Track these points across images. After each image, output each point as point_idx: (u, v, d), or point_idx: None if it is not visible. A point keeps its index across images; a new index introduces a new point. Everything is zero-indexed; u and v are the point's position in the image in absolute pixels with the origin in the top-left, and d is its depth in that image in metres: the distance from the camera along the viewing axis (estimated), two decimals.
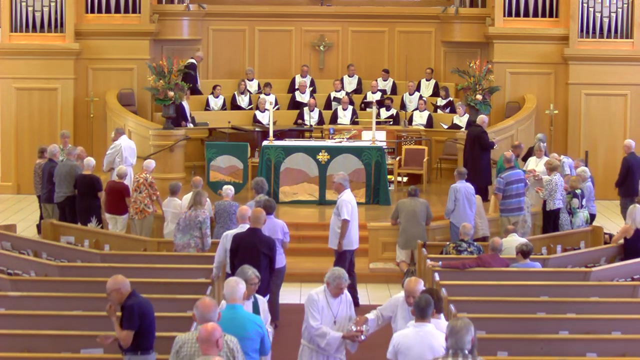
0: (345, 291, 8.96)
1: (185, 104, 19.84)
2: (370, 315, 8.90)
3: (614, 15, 20.07)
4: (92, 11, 20.34)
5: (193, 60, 20.80)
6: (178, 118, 19.54)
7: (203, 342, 6.83)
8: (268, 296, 10.63)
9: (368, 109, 19.83)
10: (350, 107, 20.35)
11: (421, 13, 21.61)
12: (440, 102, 20.80)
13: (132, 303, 8.12)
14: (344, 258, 12.73)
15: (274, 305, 11.72)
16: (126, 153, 16.55)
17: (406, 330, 7.74)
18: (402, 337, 7.65)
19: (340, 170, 16.89)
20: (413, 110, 20.37)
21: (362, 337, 8.74)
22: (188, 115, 19.90)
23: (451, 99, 20.78)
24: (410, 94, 20.75)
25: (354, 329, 8.72)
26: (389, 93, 21.16)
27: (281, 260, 11.72)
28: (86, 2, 20.29)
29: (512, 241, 12.71)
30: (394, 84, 21.41)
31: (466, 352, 6.67)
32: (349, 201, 12.70)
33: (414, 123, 20.12)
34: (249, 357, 7.89)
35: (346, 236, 12.67)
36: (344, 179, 12.94)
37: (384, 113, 20.32)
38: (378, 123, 18.74)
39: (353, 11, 21.77)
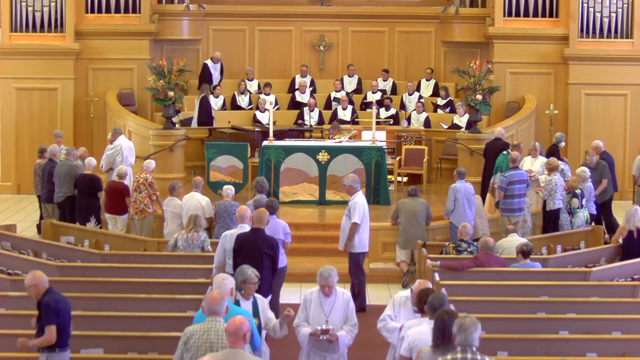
0: (343, 290, 8.96)
1: (214, 100, 20.25)
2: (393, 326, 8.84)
3: (614, 15, 20.06)
4: (92, 11, 20.34)
5: (207, 61, 20.84)
6: (203, 115, 19.81)
7: (230, 335, 6.98)
8: (270, 296, 10.66)
9: (368, 109, 19.85)
10: (350, 107, 20.35)
11: (421, 13, 21.61)
12: (440, 102, 20.81)
13: (47, 300, 8.32)
14: (357, 259, 12.72)
15: (274, 305, 11.73)
16: (126, 153, 16.57)
17: (420, 327, 7.79)
18: (418, 334, 7.71)
19: (340, 170, 16.95)
20: (411, 112, 20.37)
21: (326, 337, 8.66)
22: (212, 112, 20.15)
23: (451, 98, 20.80)
24: (410, 94, 20.75)
25: (319, 328, 8.68)
26: (389, 93, 21.15)
27: (282, 260, 11.73)
28: (86, 2, 20.29)
29: (512, 241, 12.70)
30: (393, 84, 21.41)
31: (474, 348, 6.79)
32: (361, 204, 12.61)
33: (411, 124, 20.13)
34: None
35: (358, 238, 12.65)
36: (355, 181, 12.80)
37: (384, 113, 20.33)
38: (378, 123, 18.74)
39: (353, 11, 21.77)
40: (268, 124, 18.21)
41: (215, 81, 20.80)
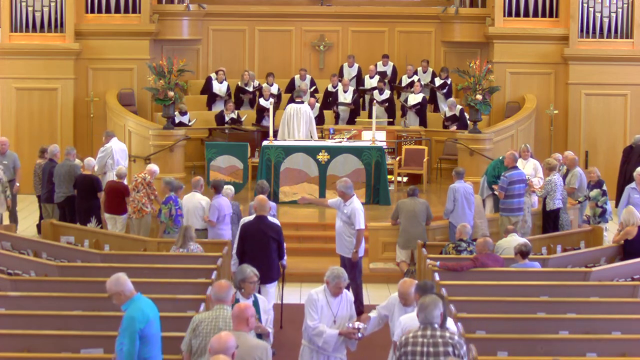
0: (346, 291, 8.98)
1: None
2: (372, 314, 8.99)
3: (614, 15, 20.07)
4: (92, 11, 20.35)
5: (212, 75, 21.08)
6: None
7: (235, 319, 7.39)
8: (275, 283, 11.10)
9: (366, 95, 19.98)
10: (350, 89, 20.29)
11: (421, 13, 21.63)
12: (438, 81, 20.77)
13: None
14: (360, 264, 12.61)
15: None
16: (117, 156, 16.48)
17: (412, 313, 7.93)
18: (410, 320, 7.90)
19: (340, 170, 16.95)
20: (408, 93, 20.27)
21: (359, 335, 8.78)
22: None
23: (449, 80, 20.69)
24: (409, 77, 20.73)
25: (351, 326, 8.76)
26: (389, 76, 21.08)
27: None
28: (86, 2, 20.30)
29: (512, 241, 12.69)
30: (394, 67, 21.31)
31: (436, 325, 7.18)
32: (360, 209, 12.37)
33: (408, 104, 20.05)
34: None
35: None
36: (347, 187, 12.41)
37: (378, 97, 20.12)
38: (378, 121, 18.74)
39: (353, 11, 21.78)
40: (270, 116, 18.13)
41: (221, 94, 20.77)
